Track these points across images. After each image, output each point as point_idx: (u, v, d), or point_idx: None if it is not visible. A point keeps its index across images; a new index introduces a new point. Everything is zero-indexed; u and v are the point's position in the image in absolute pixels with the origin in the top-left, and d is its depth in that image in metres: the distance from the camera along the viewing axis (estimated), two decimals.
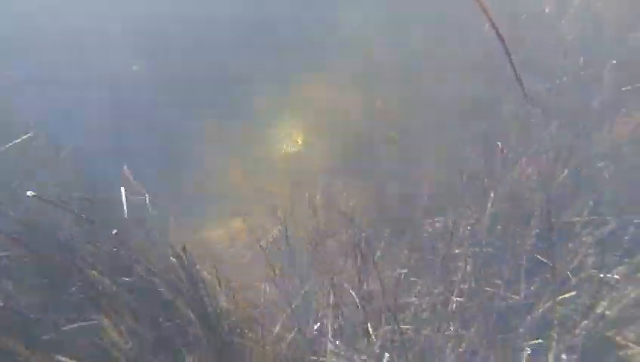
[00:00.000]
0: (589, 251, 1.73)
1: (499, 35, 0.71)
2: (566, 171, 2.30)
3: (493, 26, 0.77)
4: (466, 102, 3.84)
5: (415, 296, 2.34)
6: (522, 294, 1.84)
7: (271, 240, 2.89)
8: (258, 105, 4.85)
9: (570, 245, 1.96)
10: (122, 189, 1.72)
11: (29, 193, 1.23)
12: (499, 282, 1.95)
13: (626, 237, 2.12)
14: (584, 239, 2.08)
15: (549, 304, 1.54)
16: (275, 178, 4.03)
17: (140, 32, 4.99)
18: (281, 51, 5.22)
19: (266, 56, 5.15)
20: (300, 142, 4.50)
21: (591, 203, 2.44)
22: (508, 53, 0.72)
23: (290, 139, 4.56)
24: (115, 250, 1.84)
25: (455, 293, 1.91)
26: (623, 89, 3.01)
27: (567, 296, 1.56)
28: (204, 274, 2.48)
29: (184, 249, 1.97)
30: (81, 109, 4.02)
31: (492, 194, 2.48)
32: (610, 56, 3.39)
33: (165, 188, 3.72)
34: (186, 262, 2.01)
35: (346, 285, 2.07)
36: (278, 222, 2.68)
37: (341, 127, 4.25)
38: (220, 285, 2.30)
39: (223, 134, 4.48)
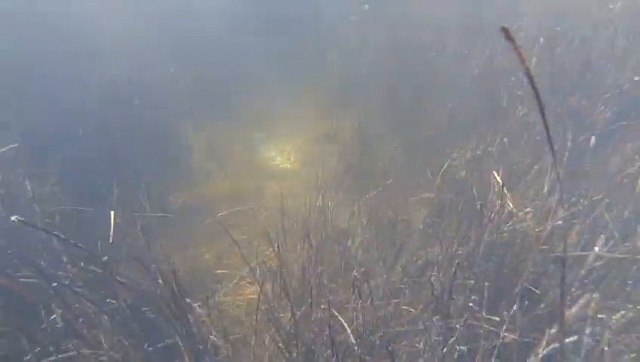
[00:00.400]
0: (591, 292, 1.70)
1: (535, 91, 0.68)
2: (565, 209, 2.28)
3: (529, 77, 0.74)
4: (463, 116, 3.85)
5: (408, 326, 2.28)
6: (518, 332, 1.80)
7: (266, 265, 2.81)
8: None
9: (574, 287, 1.94)
10: (112, 213, 1.64)
11: (13, 218, 1.16)
12: (494, 318, 1.91)
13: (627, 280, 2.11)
14: (582, 275, 2.06)
15: (550, 347, 1.50)
16: (266, 193, 3.96)
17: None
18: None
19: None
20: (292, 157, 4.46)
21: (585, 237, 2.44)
22: (542, 109, 0.69)
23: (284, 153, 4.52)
24: (100, 272, 1.76)
25: (450, 329, 1.86)
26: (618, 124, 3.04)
27: (570, 340, 1.52)
28: (193, 298, 2.40)
29: (173, 272, 1.89)
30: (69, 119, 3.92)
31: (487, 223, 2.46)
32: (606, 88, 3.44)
33: (153, 205, 3.64)
34: (174, 286, 1.93)
35: (336, 313, 2.01)
36: (269, 241, 2.62)
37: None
38: (208, 309, 2.21)
39: (213, 144, 4.42)
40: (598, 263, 2.21)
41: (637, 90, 3.43)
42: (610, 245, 2.35)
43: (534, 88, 0.65)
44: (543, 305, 2.15)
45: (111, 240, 1.61)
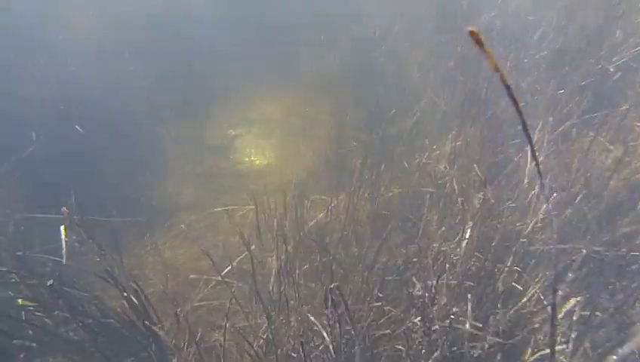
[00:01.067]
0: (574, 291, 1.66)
1: (510, 94, 0.58)
2: (544, 204, 2.23)
3: (504, 82, 0.65)
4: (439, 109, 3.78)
5: (390, 329, 2.21)
6: (502, 336, 1.74)
7: (237, 271, 2.69)
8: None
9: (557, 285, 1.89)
10: (62, 229, 1.48)
11: None
12: (478, 324, 1.84)
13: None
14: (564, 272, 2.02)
15: (539, 353, 1.45)
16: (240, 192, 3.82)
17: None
18: None
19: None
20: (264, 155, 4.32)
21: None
22: (517, 107, 0.59)
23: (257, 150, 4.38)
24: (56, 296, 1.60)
25: (429, 331, 1.79)
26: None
27: (560, 347, 1.46)
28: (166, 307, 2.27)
29: (137, 292, 1.75)
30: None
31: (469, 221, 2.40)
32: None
33: (121, 207, 3.46)
34: (138, 302, 1.80)
35: (313, 318, 1.91)
36: (244, 243, 2.49)
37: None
38: (177, 321, 2.08)
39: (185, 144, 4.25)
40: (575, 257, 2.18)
41: (611, 79, 3.41)
42: (588, 238, 2.33)
43: (508, 90, 0.56)
44: (526, 302, 2.10)
45: (64, 261, 1.46)
